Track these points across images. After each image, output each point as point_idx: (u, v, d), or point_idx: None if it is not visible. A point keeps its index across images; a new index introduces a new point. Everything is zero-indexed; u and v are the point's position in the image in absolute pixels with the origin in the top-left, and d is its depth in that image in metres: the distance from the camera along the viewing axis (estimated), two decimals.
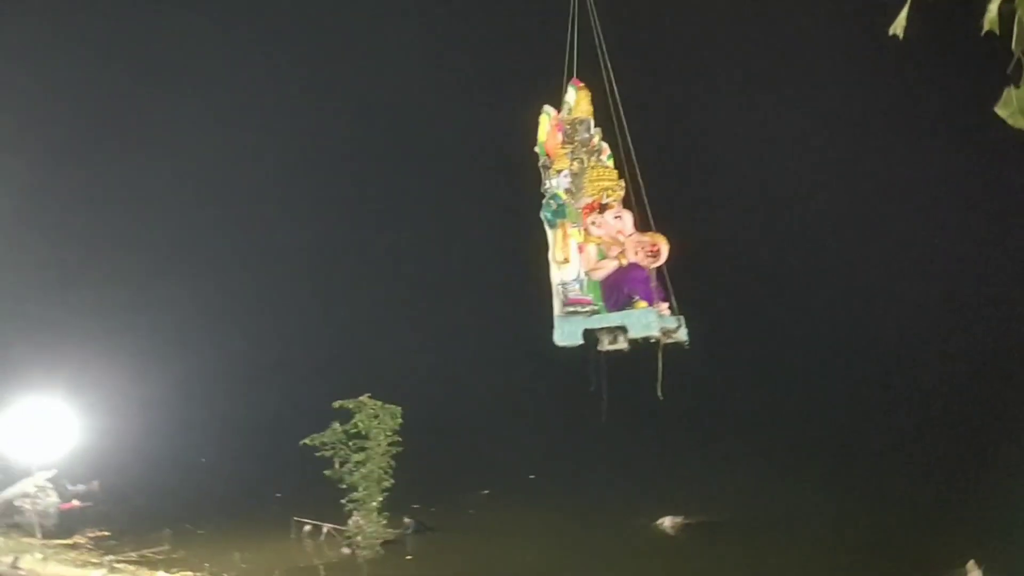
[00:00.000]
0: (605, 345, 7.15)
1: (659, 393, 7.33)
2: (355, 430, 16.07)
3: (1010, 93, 2.39)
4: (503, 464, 24.82)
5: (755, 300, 38.78)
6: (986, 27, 2.36)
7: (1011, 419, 25.21)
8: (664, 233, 7.58)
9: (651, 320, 6.95)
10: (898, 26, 2.50)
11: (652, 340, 7.09)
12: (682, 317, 7.34)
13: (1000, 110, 2.41)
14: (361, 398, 16.26)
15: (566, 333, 7.10)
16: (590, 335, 7.19)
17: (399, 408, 16.42)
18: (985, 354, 32.78)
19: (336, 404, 16.12)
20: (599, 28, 7.78)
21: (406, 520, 18.53)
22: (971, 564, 13.17)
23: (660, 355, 7.24)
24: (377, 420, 16.14)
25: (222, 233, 44.63)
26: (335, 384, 17.79)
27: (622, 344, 7.08)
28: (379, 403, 16.31)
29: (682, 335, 7.32)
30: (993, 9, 2.31)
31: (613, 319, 7.10)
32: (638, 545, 17.19)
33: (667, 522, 18.12)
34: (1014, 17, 2.31)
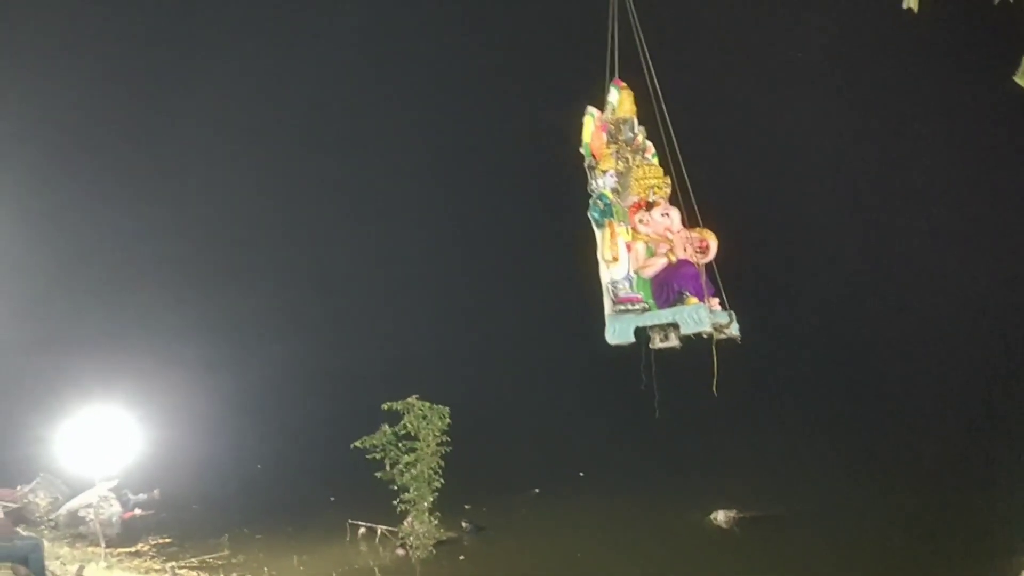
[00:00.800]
0: (657, 343, 7.10)
1: (714, 389, 7.28)
2: (404, 431, 16.20)
3: None
4: (553, 462, 24.82)
5: (808, 294, 38.25)
6: None
7: None
8: (712, 229, 7.54)
9: (703, 316, 6.87)
10: (912, 0, 2.46)
11: (704, 336, 7.01)
12: (733, 312, 7.28)
13: (1020, 79, 2.37)
14: (409, 399, 16.37)
15: (618, 331, 7.05)
16: (642, 333, 7.15)
17: (447, 408, 16.49)
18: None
19: (385, 406, 16.25)
20: (639, 27, 7.75)
21: (464, 524, 18.64)
22: None
23: (715, 351, 7.17)
24: (426, 421, 16.24)
25: (274, 243, 45.38)
26: (384, 387, 17.95)
27: (674, 342, 7.03)
28: (427, 404, 16.40)
29: (734, 330, 7.26)
30: None
31: (664, 316, 7.03)
32: (692, 539, 17.08)
33: (720, 516, 17.98)
34: None
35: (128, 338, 35.20)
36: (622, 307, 7.15)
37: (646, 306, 7.23)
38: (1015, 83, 2.37)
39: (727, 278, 7.67)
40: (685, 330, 6.92)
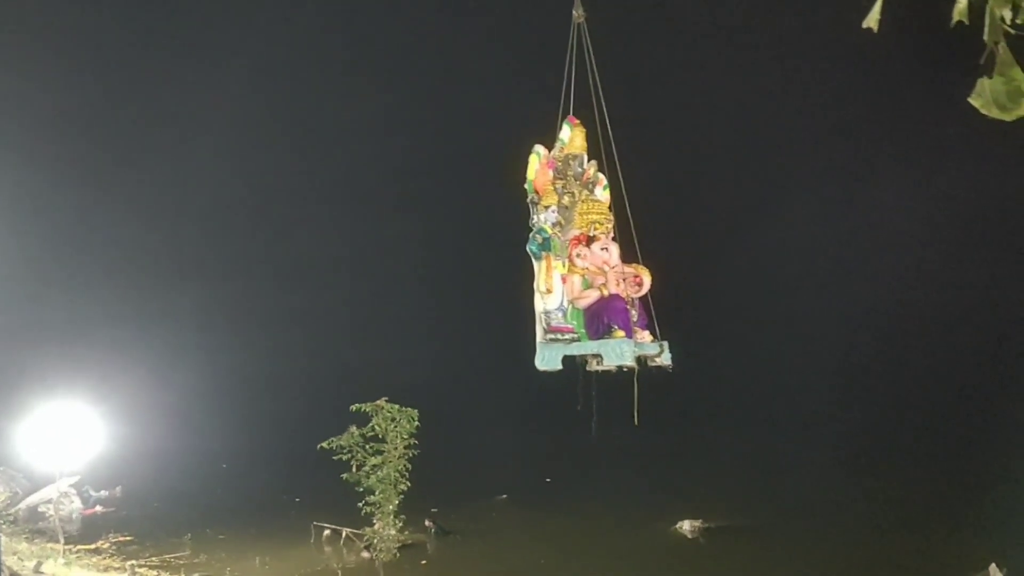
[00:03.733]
0: (593, 366, 7.38)
1: (635, 419, 7.49)
2: (372, 433, 16.10)
3: (983, 83, 2.41)
4: (521, 468, 24.83)
5: (763, 315, 39.39)
6: (956, 18, 2.37)
7: None
8: (653, 264, 7.85)
9: (625, 350, 7.18)
10: (872, 19, 2.51)
11: (625, 369, 7.25)
12: (665, 343, 7.53)
13: (974, 100, 2.43)
14: (378, 401, 16.27)
15: (546, 359, 7.36)
16: (572, 360, 7.44)
17: (416, 411, 16.41)
18: (1008, 358, 32.63)
19: (353, 407, 16.15)
20: (595, 68, 7.94)
21: (427, 523, 18.57)
22: (993, 567, 13.08)
23: (636, 383, 7.42)
24: (394, 423, 16.15)
25: (242, 243, 45.15)
26: (353, 388, 17.86)
27: (609, 366, 7.28)
28: (396, 406, 16.32)
29: (665, 359, 7.55)
30: (963, 0, 2.32)
31: (590, 347, 7.36)
32: (657, 548, 17.13)
33: (686, 525, 18.08)
34: (984, 7, 2.33)
35: (92, 334, 34.80)
36: (552, 336, 7.44)
37: (576, 336, 7.51)
38: (970, 104, 2.43)
39: (668, 308, 7.91)
40: (607, 362, 7.23)
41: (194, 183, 42.25)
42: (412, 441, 16.40)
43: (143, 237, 41.39)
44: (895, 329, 37.57)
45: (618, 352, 7.16)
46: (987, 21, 2.32)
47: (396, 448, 16.23)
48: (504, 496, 22.47)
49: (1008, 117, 2.40)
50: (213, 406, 32.19)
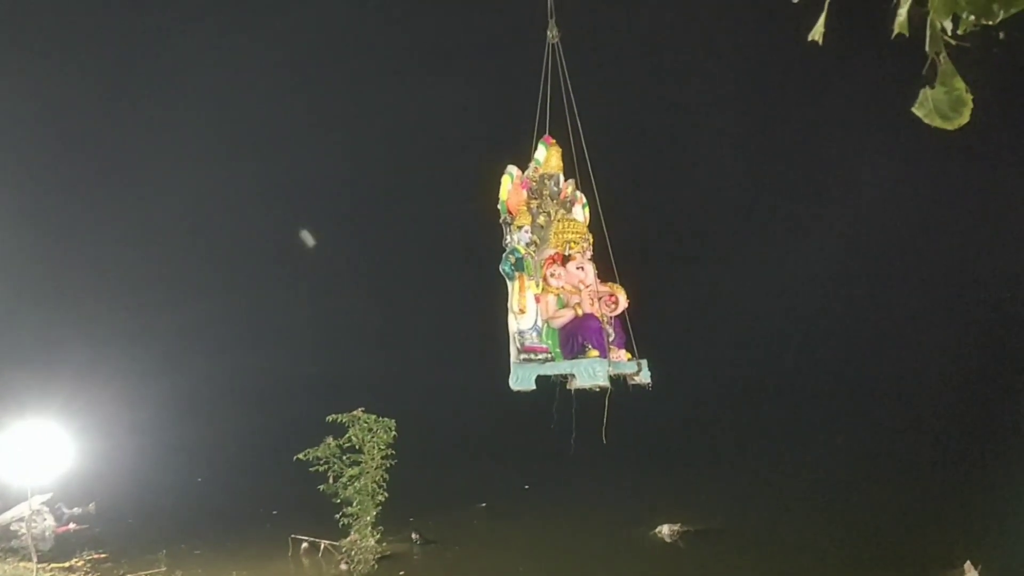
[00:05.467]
0: (574, 384, 7.37)
1: (603, 437, 7.54)
2: (349, 444, 16.08)
3: (926, 93, 2.46)
4: (500, 476, 24.82)
5: (736, 323, 40.17)
6: (896, 30, 2.43)
7: (1002, 422, 25.42)
8: (630, 283, 7.85)
9: (598, 370, 7.19)
10: (817, 32, 2.56)
11: (597, 389, 7.29)
12: (644, 361, 7.52)
13: (917, 110, 2.49)
14: (355, 412, 16.26)
15: (520, 379, 7.35)
16: (547, 380, 7.47)
17: (393, 421, 16.41)
18: (971, 357, 33.18)
19: (330, 418, 16.11)
20: (570, 88, 7.97)
21: (413, 536, 18.53)
22: (967, 565, 13.23)
23: (607, 402, 7.46)
24: (371, 434, 16.14)
25: (212, 257, 44.86)
26: (330, 400, 17.80)
27: (583, 385, 7.32)
28: (373, 417, 16.30)
29: (644, 377, 7.52)
30: (903, 12, 2.38)
31: (563, 367, 7.37)
32: (636, 552, 17.17)
33: (665, 530, 18.15)
34: (926, 20, 2.38)
35: (63, 349, 34.40)
36: (527, 356, 7.46)
37: (550, 356, 7.52)
38: (914, 114, 2.49)
39: (648, 326, 7.95)
40: (580, 382, 7.26)
41: (169, 201, 42.02)
42: (389, 452, 16.40)
43: (117, 254, 41.03)
44: (860, 337, 38.25)
45: (591, 372, 7.19)
46: (928, 32, 2.37)
47: (373, 459, 16.23)
48: (483, 504, 22.44)
49: (950, 126, 2.46)
50: (188, 420, 31.91)
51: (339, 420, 16.13)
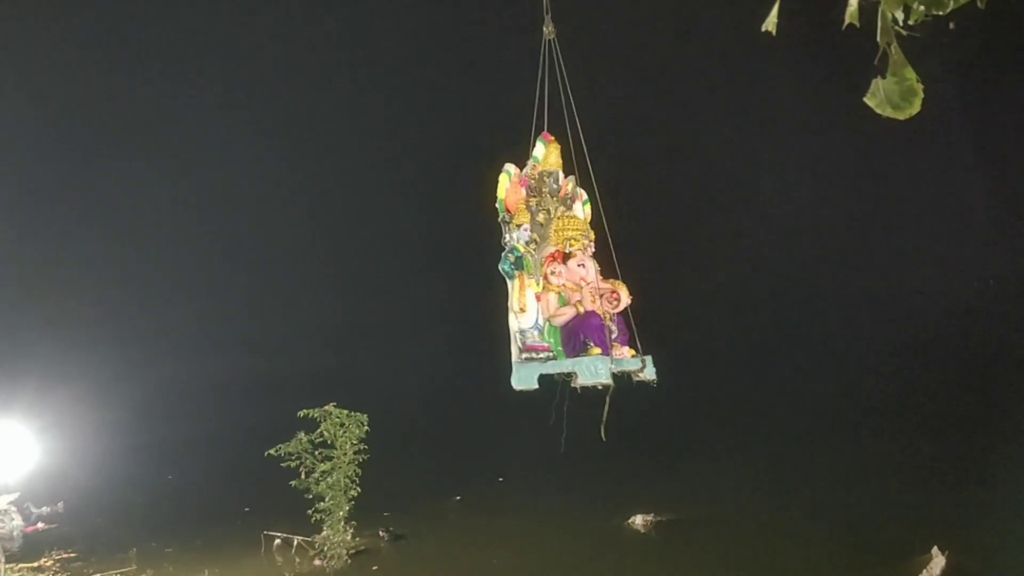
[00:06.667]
0: (577, 382, 7.26)
1: (602, 435, 7.50)
2: (321, 439, 16.01)
3: (877, 83, 2.47)
4: (474, 469, 24.81)
5: (725, 312, 40.38)
6: (847, 20, 2.43)
7: (971, 407, 25.81)
8: (632, 279, 7.76)
9: (599, 368, 7.10)
10: (770, 23, 2.55)
11: (600, 387, 7.22)
12: (648, 357, 7.45)
13: (869, 100, 2.49)
14: (327, 407, 16.19)
15: (522, 378, 7.25)
16: (548, 378, 7.37)
17: (365, 416, 16.35)
18: (941, 346, 33.68)
19: (301, 413, 16.03)
20: (567, 83, 7.90)
21: (381, 532, 18.48)
22: (935, 550, 13.44)
23: (608, 400, 7.41)
24: (343, 429, 16.08)
25: (182, 251, 44.37)
26: (300, 394, 17.71)
27: (586, 383, 7.26)
28: (345, 411, 16.24)
29: (649, 374, 7.44)
30: (854, 2, 2.38)
31: (565, 365, 7.27)
32: (610, 543, 17.24)
33: (638, 520, 18.25)
34: (876, 10, 2.38)
35: (29, 348, 33.91)
36: (528, 355, 7.39)
37: (552, 355, 7.46)
38: (866, 104, 2.49)
39: (648, 322, 7.87)
40: (582, 380, 7.15)
41: (139, 200, 41.49)
42: (362, 446, 16.36)
43: (85, 253, 40.44)
44: (836, 324, 38.66)
45: (592, 370, 7.11)
46: (879, 23, 2.37)
47: (346, 454, 16.19)
48: (458, 498, 22.44)
49: (902, 116, 2.46)
50: (156, 418, 31.61)
51: (310, 415, 16.06)
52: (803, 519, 17.09)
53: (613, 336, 7.47)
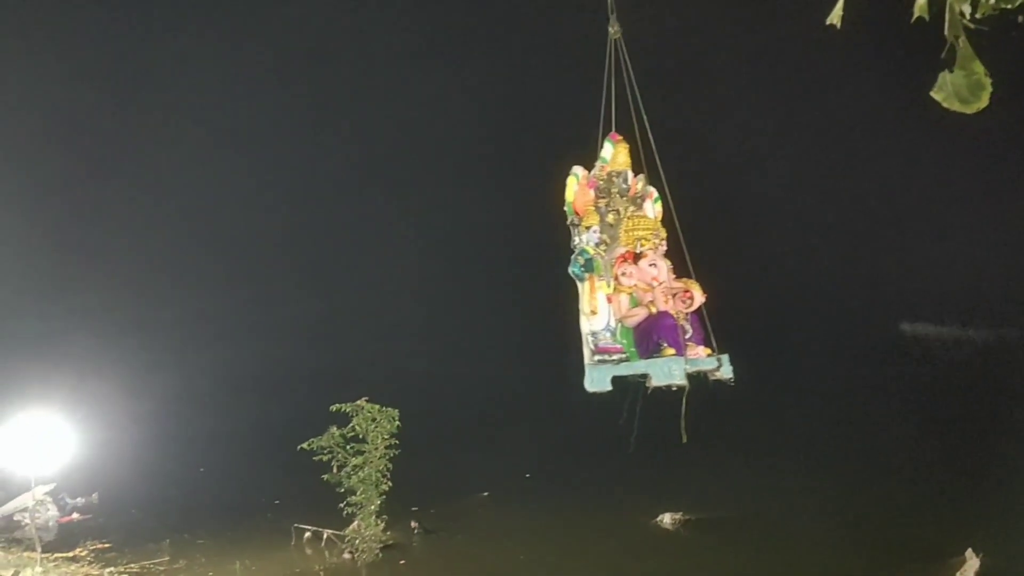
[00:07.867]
0: (651, 384, 7.23)
1: (683, 438, 7.40)
2: (352, 434, 16.11)
3: (944, 77, 2.46)
4: (502, 465, 24.84)
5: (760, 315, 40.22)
6: (916, 14, 2.42)
7: (1005, 408, 25.43)
8: (706, 279, 7.66)
9: (674, 369, 7.05)
10: (835, 16, 2.55)
11: (674, 388, 7.15)
12: (725, 356, 7.40)
13: (936, 94, 2.48)
14: (359, 401, 16.28)
15: (595, 380, 7.23)
16: (623, 381, 7.35)
17: (397, 411, 16.43)
18: (975, 345, 33.16)
19: (333, 408, 16.14)
20: (634, 84, 7.86)
21: (413, 524, 18.58)
22: (969, 552, 13.27)
23: (684, 401, 7.29)
24: (375, 423, 16.16)
25: (214, 246, 44.78)
26: (333, 389, 17.81)
27: (660, 384, 7.22)
28: (376, 406, 16.32)
29: (725, 373, 7.39)
30: None
31: (638, 367, 7.24)
32: (638, 541, 17.22)
33: (667, 518, 18.19)
34: (945, 3, 2.38)
35: (66, 339, 34.39)
36: (601, 357, 7.34)
37: (625, 356, 7.39)
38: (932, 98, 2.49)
39: (723, 322, 7.76)
40: (656, 382, 7.10)
41: (172, 191, 41.92)
42: (393, 441, 16.42)
43: (119, 245, 40.98)
44: (867, 326, 38.21)
45: (666, 371, 7.07)
46: (947, 16, 2.37)
47: (377, 448, 16.26)
48: (486, 493, 22.48)
49: (969, 110, 2.46)
50: (190, 410, 31.92)
51: (343, 409, 16.16)
52: (834, 519, 16.92)
53: (688, 336, 7.41)
